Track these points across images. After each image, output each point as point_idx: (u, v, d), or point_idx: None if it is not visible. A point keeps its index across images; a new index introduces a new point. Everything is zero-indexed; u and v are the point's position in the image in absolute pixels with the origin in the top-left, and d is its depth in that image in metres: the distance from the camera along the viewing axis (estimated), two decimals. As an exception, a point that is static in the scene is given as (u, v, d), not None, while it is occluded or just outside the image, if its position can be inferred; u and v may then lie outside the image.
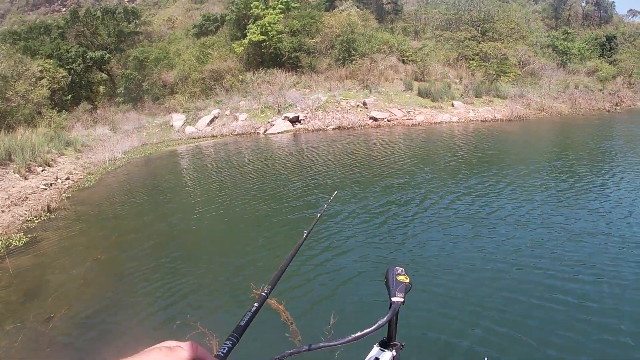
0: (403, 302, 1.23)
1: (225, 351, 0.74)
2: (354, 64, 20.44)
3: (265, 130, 16.28)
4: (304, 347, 1.21)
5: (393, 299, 1.23)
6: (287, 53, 21.78)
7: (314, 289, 4.37)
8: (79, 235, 6.53)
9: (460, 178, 8.47)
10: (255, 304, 0.95)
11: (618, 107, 26.85)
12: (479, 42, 25.64)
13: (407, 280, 1.28)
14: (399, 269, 1.34)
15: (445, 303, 4.00)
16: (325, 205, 2.05)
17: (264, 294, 1.04)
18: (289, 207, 7.06)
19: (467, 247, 5.28)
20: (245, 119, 17.43)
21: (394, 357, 1.35)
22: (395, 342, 1.34)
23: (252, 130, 16.77)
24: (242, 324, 0.86)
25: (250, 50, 22.95)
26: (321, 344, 1.08)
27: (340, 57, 21.10)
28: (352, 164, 10.25)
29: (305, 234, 1.60)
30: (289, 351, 1.22)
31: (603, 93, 28.84)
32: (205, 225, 6.59)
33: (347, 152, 11.73)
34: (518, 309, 3.88)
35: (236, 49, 23.08)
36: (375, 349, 1.36)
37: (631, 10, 54.33)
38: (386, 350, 1.35)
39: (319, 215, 1.83)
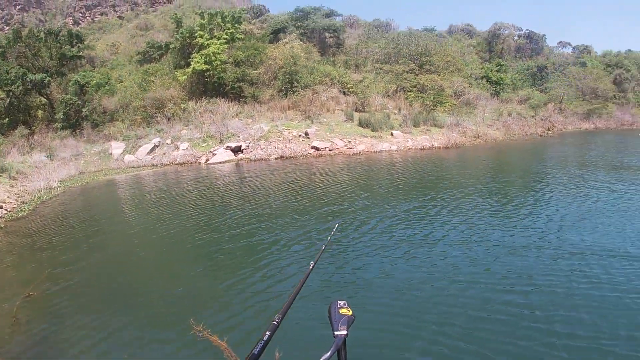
0: (347, 335, 1.25)
1: None
2: (297, 95, 20.89)
3: (207, 160, 16.23)
4: None
5: (336, 333, 1.26)
6: (230, 83, 21.96)
7: (250, 318, 4.37)
8: (11, 269, 6.33)
9: (398, 203, 8.94)
10: (268, 332, 0.97)
11: (550, 132, 28.83)
12: (417, 75, 26.82)
13: (350, 313, 1.31)
14: (341, 303, 1.38)
15: (387, 320, 4.21)
16: (329, 238, 2.16)
17: (275, 322, 1.05)
18: (229, 236, 7.12)
19: (406, 267, 5.55)
20: (187, 148, 17.32)
21: None
22: None
23: (194, 160, 16.65)
24: (256, 352, 0.86)
25: (194, 79, 22.93)
26: None
27: (283, 88, 21.52)
28: (292, 192, 10.46)
29: (311, 265, 1.71)
30: None
31: (535, 119, 30.86)
32: (143, 256, 6.56)
33: (287, 181, 11.96)
34: (457, 321, 4.14)
35: (179, 78, 22.98)
36: None
37: (561, 42, 58.57)
38: None
39: (323, 246, 2.02)
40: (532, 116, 31.25)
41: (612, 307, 4.35)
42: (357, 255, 6.05)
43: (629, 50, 65.64)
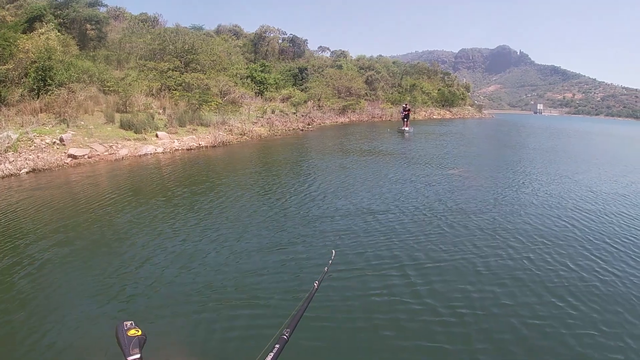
0: (140, 358, 1.18)
1: None
2: (50, 95, 19.55)
3: None
4: None
5: (129, 359, 1.18)
6: (-30, 82, 19.27)
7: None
8: None
9: (170, 208, 10.14)
10: (277, 346, 0.90)
11: (310, 126, 33.42)
12: (182, 73, 27.64)
13: (139, 333, 1.22)
14: (128, 324, 1.32)
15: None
16: (330, 262, 2.50)
17: (284, 336, 0.99)
18: None
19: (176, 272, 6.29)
20: None
21: None
22: None
23: None
24: None
25: None
26: None
27: (35, 87, 19.83)
28: (56, 217, 9.74)
29: (316, 286, 1.74)
30: None
31: (297, 115, 35.05)
32: None
33: (50, 203, 11.24)
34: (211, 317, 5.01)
35: None
36: None
37: (321, 46, 67.55)
38: None
39: (326, 268, 2.13)
40: (294, 113, 35.46)
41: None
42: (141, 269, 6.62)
43: (380, 55, 79.20)
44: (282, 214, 9.59)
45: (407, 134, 30.05)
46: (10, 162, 14.78)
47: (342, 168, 15.72)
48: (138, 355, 1.10)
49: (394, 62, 74.49)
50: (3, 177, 14.25)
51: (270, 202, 10.78)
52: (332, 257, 2.59)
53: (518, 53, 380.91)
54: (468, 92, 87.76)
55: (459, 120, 60.12)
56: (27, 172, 14.82)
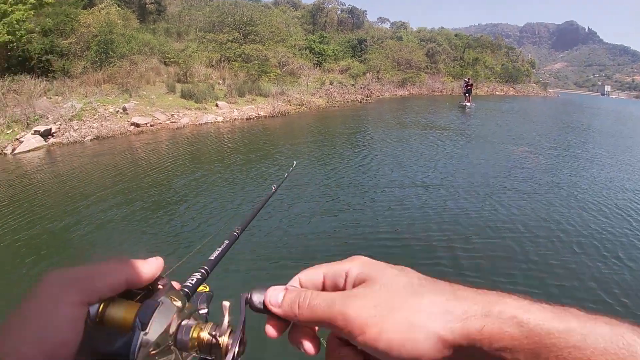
0: (207, 313, 1.04)
1: (193, 283, 0.70)
2: (112, 67, 19.83)
3: (14, 150, 14.17)
4: None
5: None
6: (36, 56, 19.91)
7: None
8: None
9: (227, 173, 10.13)
10: (226, 241, 0.95)
11: (369, 98, 32.07)
12: (241, 45, 27.32)
13: (207, 289, 1.13)
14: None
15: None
16: (291, 169, 2.50)
17: (235, 233, 1.04)
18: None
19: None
20: (-13, 138, 15.42)
21: None
22: None
23: None
24: (213, 258, 0.84)
25: (-7, 55, 20.30)
26: None
27: (97, 60, 20.18)
28: (117, 181, 9.82)
29: (273, 189, 1.75)
30: None
31: (355, 87, 33.83)
32: None
33: (112, 168, 11.31)
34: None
35: (-26, 54, 20.12)
36: None
37: (380, 17, 65.24)
38: None
39: (286, 175, 2.21)
40: (352, 84, 34.32)
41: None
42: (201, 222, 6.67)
43: (442, 27, 75.64)
44: (335, 184, 9.29)
45: (468, 109, 28.11)
46: (74, 130, 15.06)
47: (398, 141, 14.98)
48: (206, 310, 0.85)
49: (456, 35, 70.54)
50: (68, 144, 14.58)
51: (324, 171, 10.50)
52: (293, 167, 2.72)
53: (586, 30, 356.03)
54: (533, 68, 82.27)
55: (522, 97, 55.79)
56: (91, 140, 15.09)
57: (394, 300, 0.42)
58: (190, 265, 0.99)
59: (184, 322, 0.46)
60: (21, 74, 18.93)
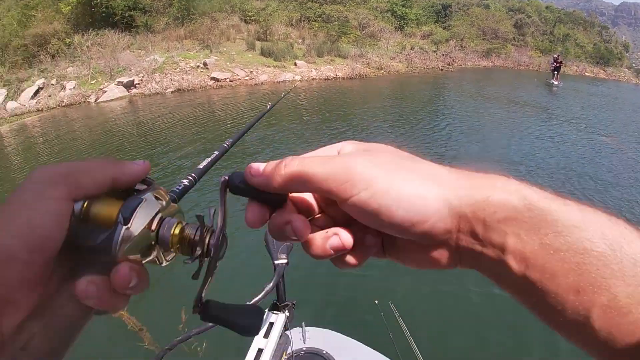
0: (287, 263, 1.25)
1: (180, 189, 0.66)
2: (194, 23, 19.67)
3: (97, 99, 14.70)
4: (192, 331, 1.19)
5: (276, 262, 1.25)
6: (120, 12, 20.07)
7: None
8: None
9: (301, 130, 9.95)
10: (216, 152, 0.90)
11: (450, 67, 29.97)
12: (322, 5, 26.39)
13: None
14: None
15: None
16: (289, 90, 2.02)
17: (225, 145, 0.99)
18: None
19: None
20: (74, 88, 15.71)
21: (287, 317, 1.39)
22: (286, 303, 1.37)
23: (82, 100, 14.88)
24: (201, 167, 0.79)
25: (79, 10, 20.62)
26: (210, 324, 1.01)
27: (179, 16, 20.07)
28: (195, 131, 9.86)
29: (269, 107, 1.62)
30: (178, 338, 1.19)
31: (437, 54, 31.73)
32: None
33: (191, 119, 11.29)
34: None
35: (63, 9, 20.60)
36: (268, 314, 1.35)
37: None
38: (278, 312, 1.37)
39: (282, 94, 2.11)
40: (434, 51, 32.20)
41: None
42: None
43: None
44: (406, 148, 8.44)
45: (555, 87, 25.25)
46: (156, 82, 15.14)
47: (477, 113, 13.85)
48: (285, 261, 1.10)
49: (547, 7, 64.63)
50: (149, 95, 14.74)
51: (396, 134, 10.01)
52: (292, 88, 1.84)
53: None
54: (627, 52, 73.89)
55: (612, 82, 49.72)
56: (172, 92, 15.13)
57: (401, 162, 0.40)
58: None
59: (166, 219, 0.43)
60: (105, 29, 19.08)
